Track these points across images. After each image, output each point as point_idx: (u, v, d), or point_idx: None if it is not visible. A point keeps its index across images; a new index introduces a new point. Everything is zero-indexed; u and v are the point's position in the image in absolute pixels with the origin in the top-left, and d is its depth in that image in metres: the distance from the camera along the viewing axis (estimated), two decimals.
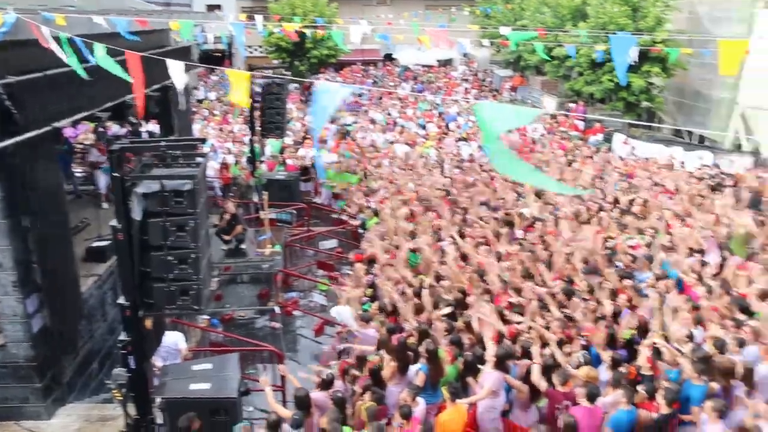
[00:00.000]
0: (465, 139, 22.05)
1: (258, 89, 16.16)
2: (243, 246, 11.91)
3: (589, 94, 25.34)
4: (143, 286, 5.85)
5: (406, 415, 6.20)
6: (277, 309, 11.43)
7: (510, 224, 11.80)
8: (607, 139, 23.15)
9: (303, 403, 6.53)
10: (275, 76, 16.91)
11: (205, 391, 6.78)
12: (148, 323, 6.16)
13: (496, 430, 6.80)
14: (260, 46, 37.03)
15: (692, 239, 10.48)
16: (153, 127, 16.57)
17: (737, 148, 20.80)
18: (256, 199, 15.63)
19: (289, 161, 18.59)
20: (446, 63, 43.17)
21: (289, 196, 15.80)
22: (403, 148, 20.20)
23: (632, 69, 22.72)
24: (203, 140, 6.84)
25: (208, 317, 11.12)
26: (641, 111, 25.29)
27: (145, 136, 16.12)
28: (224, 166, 18.22)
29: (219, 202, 15.57)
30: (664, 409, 6.34)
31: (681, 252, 10.11)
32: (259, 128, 16.45)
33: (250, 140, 16.62)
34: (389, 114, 27.29)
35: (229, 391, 6.83)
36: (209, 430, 6.57)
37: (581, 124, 24.99)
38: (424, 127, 24.47)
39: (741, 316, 8.01)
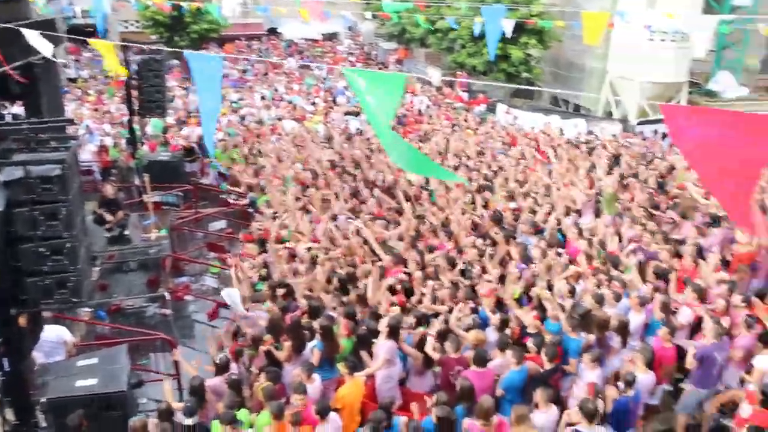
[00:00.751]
0: (353, 113, 22.03)
1: (135, 66, 15.27)
2: (127, 232, 11.36)
3: (471, 65, 26.04)
4: (14, 281, 5.44)
5: (301, 391, 6.21)
6: (167, 295, 11.03)
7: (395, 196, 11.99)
8: (491, 109, 23.93)
9: (197, 391, 6.38)
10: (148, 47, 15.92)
11: (92, 387, 6.44)
12: (22, 320, 5.75)
13: (394, 398, 6.94)
14: (136, 21, 35.04)
15: (569, 200, 11.12)
16: (18, 109, 15.30)
17: (608, 115, 22.17)
18: (138, 182, 14.91)
19: (172, 141, 17.82)
20: (331, 37, 42.85)
21: (174, 178, 15.16)
22: (291, 124, 19.91)
23: (511, 41, 23.61)
24: (71, 121, 6.39)
25: (92, 309, 10.55)
26: (521, 81, 26.36)
27: (9, 119, 14.86)
28: (102, 148, 17.20)
29: (99, 187, 14.73)
30: (547, 365, 6.74)
31: (560, 213, 10.69)
32: (138, 107, 15.59)
33: (129, 120, 15.75)
34: (276, 90, 26.77)
35: (118, 385, 6.52)
36: (101, 427, 6.28)
37: (465, 95, 25.66)
38: (314, 104, 24.18)
39: (614, 272, 8.63)
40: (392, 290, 8.32)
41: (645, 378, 6.67)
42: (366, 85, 5.85)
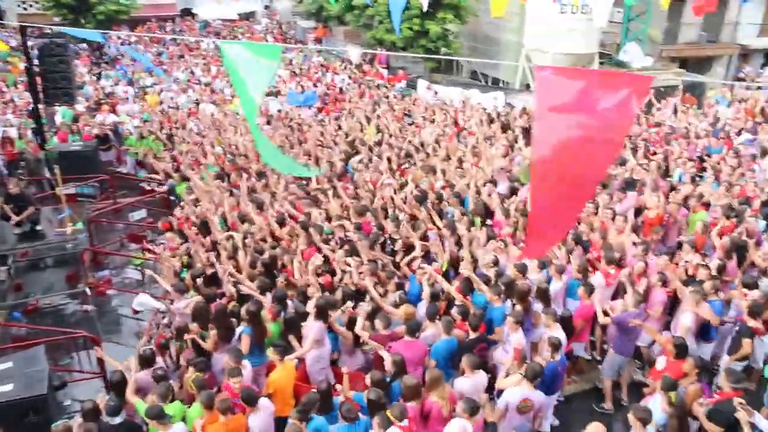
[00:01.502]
0: (274, 95, 21.67)
1: (35, 51, 14.44)
2: (39, 227, 10.83)
3: (390, 42, 26.03)
4: None
5: (236, 374, 6.17)
6: (88, 291, 10.64)
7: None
8: (411, 85, 24.04)
9: (119, 386, 6.21)
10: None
11: (9, 393, 6.18)
12: None
13: (326, 379, 6.98)
14: (36, 2, 33.04)
15: (484, 173, 11.44)
16: None
17: (526, 87, 22.69)
18: (48, 174, 14.21)
19: (84, 130, 17.02)
20: (248, 16, 41.83)
21: (88, 168, 14.51)
22: (210, 108, 19.40)
23: (428, 16, 23.75)
24: None
25: (5, 311, 10.09)
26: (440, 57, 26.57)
27: None
28: (7, 140, 16.25)
29: (5, 181, 13.96)
30: (472, 334, 6.93)
31: (473, 186, 10.95)
32: (43, 95, 14.77)
33: (34, 109, 14.91)
34: (192, 72, 25.97)
35: (37, 389, 6.28)
36: None
37: (385, 72, 25.68)
38: (232, 86, 23.61)
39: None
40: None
41: (560, 336, 6.90)
42: (244, 61, 5.78)
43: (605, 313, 7.50)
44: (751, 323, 7.16)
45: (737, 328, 7.40)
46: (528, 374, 6.06)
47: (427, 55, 22.29)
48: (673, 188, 10.92)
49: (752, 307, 7.20)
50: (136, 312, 10.49)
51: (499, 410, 6.12)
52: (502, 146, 12.83)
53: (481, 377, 6.37)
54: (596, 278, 8.14)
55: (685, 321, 7.42)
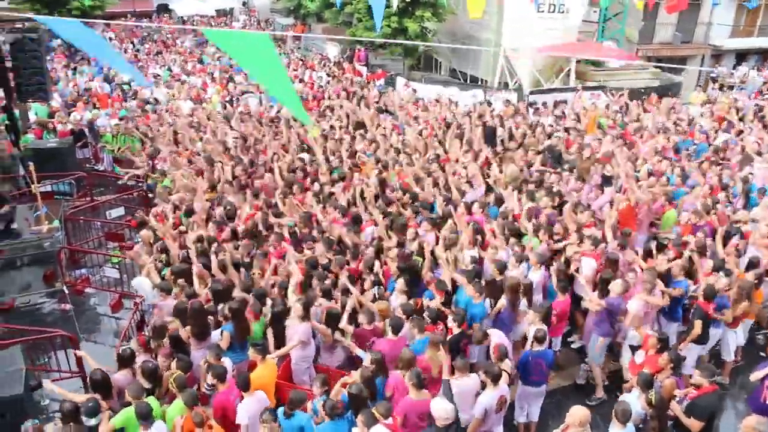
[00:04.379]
0: (251, 92, 21.51)
1: (6, 47, 14.17)
2: (14, 225, 10.67)
3: (369, 39, 26.04)
4: None
5: (221, 375, 6.16)
6: (65, 290, 10.50)
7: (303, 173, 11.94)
8: (390, 83, 24.07)
9: (100, 386, 6.13)
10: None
11: None
12: None
13: (309, 378, 6.99)
14: None
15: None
16: None
17: (504, 86, 22.84)
18: (23, 171, 13.99)
19: (59, 126, 16.77)
20: (226, 13, 41.52)
21: (64, 165, 14.33)
22: (188, 105, 19.21)
23: (406, 14, 23.78)
24: None
25: None
26: (419, 55, 26.61)
27: None
28: None
29: None
30: (456, 330, 6.99)
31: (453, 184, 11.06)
32: (16, 92, 14.49)
33: (6, 106, 14.64)
34: (170, 69, 25.71)
35: (12, 389, 6.18)
36: None
37: (364, 70, 25.66)
38: (214, 80, 23.41)
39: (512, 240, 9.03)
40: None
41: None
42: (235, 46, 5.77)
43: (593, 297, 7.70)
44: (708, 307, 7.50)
45: (692, 309, 7.76)
46: (490, 377, 6.07)
47: (403, 42, 22.32)
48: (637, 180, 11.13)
49: (707, 290, 7.54)
50: (114, 310, 10.42)
51: (477, 420, 6.12)
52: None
53: (473, 380, 6.35)
54: (587, 261, 8.25)
55: (631, 306, 7.65)
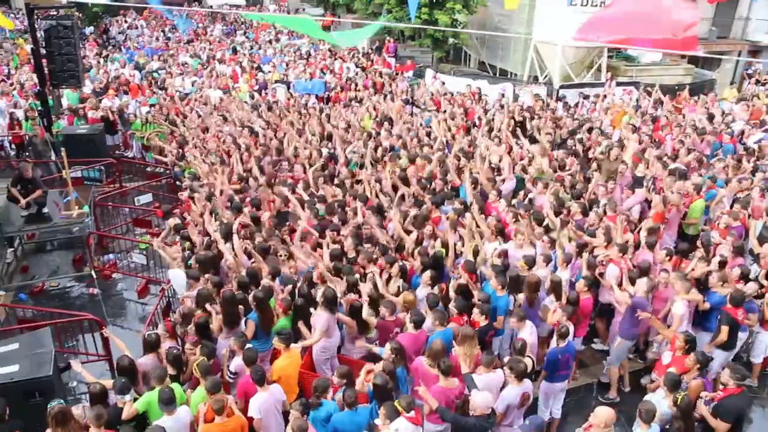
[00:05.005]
0: (281, 81, 21.57)
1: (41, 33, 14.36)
2: (45, 210, 10.84)
3: (399, 31, 25.89)
4: None
5: (251, 359, 6.18)
6: (93, 274, 10.66)
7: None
8: (418, 75, 23.94)
9: (127, 371, 6.22)
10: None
11: (14, 374, 6.20)
12: None
13: (331, 369, 7.00)
14: None
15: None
16: None
17: (534, 79, 22.57)
18: (55, 157, 14.22)
19: (90, 113, 16.99)
20: (255, 2, 41.64)
21: (94, 152, 14.54)
22: (217, 94, 19.32)
23: (437, 6, 23.61)
24: None
25: (5, 292, 10.12)
26: (448, 47, 26.40)
27: None
28: (14, 122, 16.23)
29: (13, 164, 13.95)
30: (483, 322, 6.93)
31: (483, 176, 10.93)
32: (50, 78, 14.71)
33: (41, 92, 14.87)
34: (200, 57, 25.86)
35: (42, 370, 6.29)
36: (26, 415, 6.06)
37: (393, 61, 25.55)
38: (243, 69, 23.49)
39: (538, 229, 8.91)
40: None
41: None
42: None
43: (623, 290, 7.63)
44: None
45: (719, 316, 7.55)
46: (515, 373, 6.04)
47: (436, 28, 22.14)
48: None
49: (735, 296, 7.37)
50: (141, 296, 10.55)
51: (500, 413, 6.07)
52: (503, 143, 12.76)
53: (498, 375, 6.30)
54: (611, 270, 8.14)
55: (677, 309, 7.47)
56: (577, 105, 17.93)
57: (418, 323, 6.79)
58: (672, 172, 10.80)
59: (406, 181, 10.83)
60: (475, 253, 8.37)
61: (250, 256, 8.33)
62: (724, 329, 7.36)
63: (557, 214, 9.33)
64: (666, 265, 8.29)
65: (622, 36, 11.32)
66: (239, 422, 5.83)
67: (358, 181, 11.11)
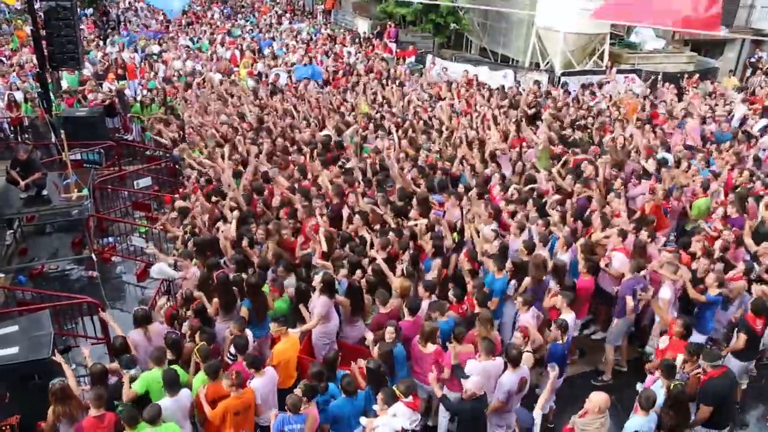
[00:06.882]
0: (281, 66, 21.40)
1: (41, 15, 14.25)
2: (44, 192, 10.81)
3: (400, 15, 25.68)
4: None
5: (242, 347, 6.20)
6: (93, 257, 10.65)
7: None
8: (420, 60, 23.78)
9: (122, 352, 6.30)
10: None
11: (14, 356, 6.21)
12: None
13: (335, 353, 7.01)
14: None
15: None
16: None
17: (536, 66, 22.41)
18: (54, 139, 14.17)
19: (90, 96, 16.91)
20: None
21: (94, 134, 14.50)
22: (218, 77, 19.20)
23: None
24: None
25: (5, 274, 10.14)
26: (450, 33, 26.18)
27: None
28: (13, 104, 16.16)
29: (12, 146, 13.90)
30: (477, 309, 6.93)
31: (478, 164, 10.98)
32: (49, 60, 14.58)
33: (40, 74, 14.78)
34: (199, 40, 25.71)
35: (41, 352, 6.30)
36: (25, 397, 6.09)
37: (394, 46, 25.38)
38: (245, 52, 23.32)
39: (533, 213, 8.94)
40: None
41: (569, 318, 7.00)
42: None
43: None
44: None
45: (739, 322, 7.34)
46: (509, 360, 6.05)
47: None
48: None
49: (757, 305, 7.11)
50: (140, 279, 10.55)
51: (501, 401, 6.08)
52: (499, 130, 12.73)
53: (498, 361, 6.29)
54: (617, 255, 8.11)
55: (663, 294, 7.46)
56: (576, 99, 17.80)
57: (414, 309, 6.82)
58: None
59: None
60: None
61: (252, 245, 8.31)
62: (742, 337, 7.08)
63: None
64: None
65: (643, 15, 11.07)
66: (252, 393, 5.91)
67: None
